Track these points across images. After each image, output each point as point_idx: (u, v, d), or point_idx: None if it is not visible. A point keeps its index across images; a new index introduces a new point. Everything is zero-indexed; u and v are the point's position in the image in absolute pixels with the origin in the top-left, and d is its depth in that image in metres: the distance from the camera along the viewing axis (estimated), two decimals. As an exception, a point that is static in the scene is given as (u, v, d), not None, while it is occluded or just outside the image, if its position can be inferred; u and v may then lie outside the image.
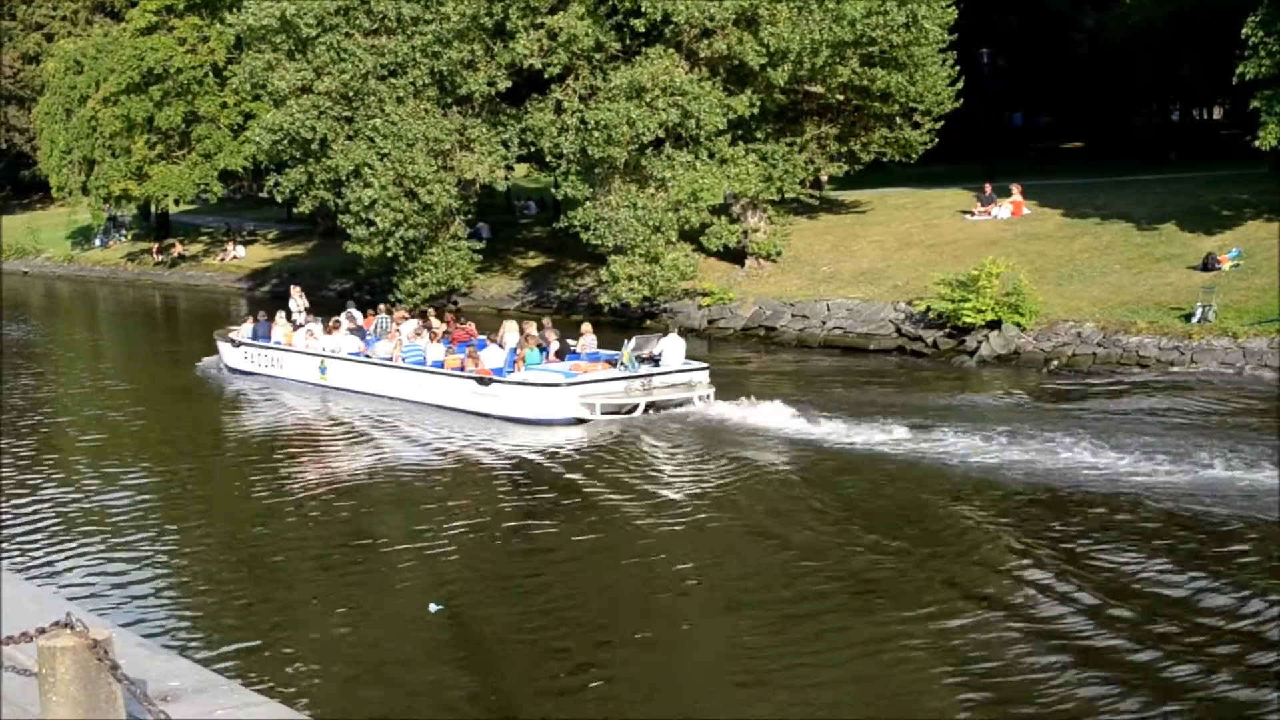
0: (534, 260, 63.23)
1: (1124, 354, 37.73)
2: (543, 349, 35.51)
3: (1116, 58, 68.75)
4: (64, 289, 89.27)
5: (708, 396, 33.76)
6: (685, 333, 40.52)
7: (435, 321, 40.54)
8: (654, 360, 34.47)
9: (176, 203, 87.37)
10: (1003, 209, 53.94)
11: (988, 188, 55.95)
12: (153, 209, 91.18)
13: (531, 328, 37.77)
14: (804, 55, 46.81)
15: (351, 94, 52.72)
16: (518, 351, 35.47)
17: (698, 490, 26.41)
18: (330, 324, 41.76)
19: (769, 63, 47.26)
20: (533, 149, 53.48)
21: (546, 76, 49.76)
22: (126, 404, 39.80)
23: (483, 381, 34.26)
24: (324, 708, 16.00)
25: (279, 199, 63.51)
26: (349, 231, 53.22)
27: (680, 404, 33.68)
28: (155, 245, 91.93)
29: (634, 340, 35.31)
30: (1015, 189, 54.88)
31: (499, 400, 33.88)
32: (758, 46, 46.90)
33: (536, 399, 33.20)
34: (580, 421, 32.62)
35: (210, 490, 28.49)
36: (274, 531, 24.32)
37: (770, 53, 46.93)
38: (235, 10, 59.12)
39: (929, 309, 42.64)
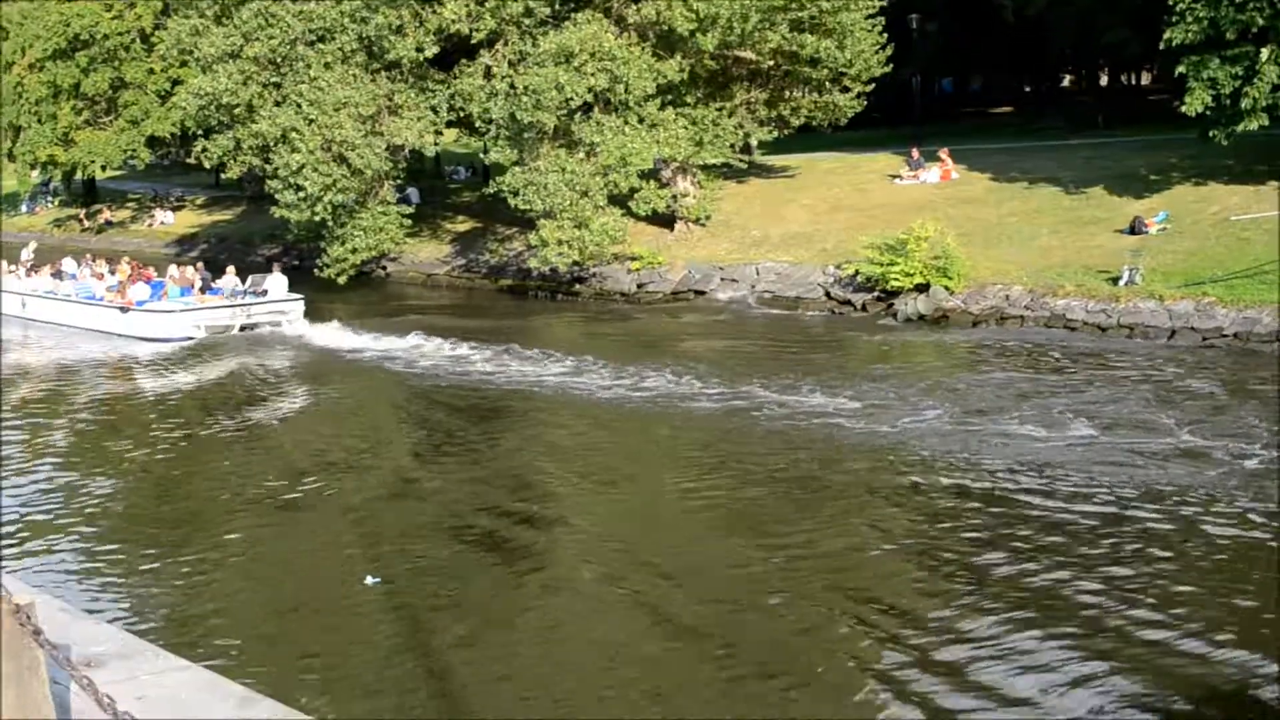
0: (463, 225, 62.93)
1: (1051, 316, 37.98)
2: (190, 287, 45.36)
3: (1043, 23, 68.91)
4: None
5: (296, 320, 44.15)
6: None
7: (123, 266, 50.12)
8: (263, 293, 45.26)
9: (104, 169, 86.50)
10: (931, 173, 54.22)
11: (915, 152, 56.20)
12: (79, 175, 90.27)
13: (187, 270, 47.55)
14: (733, 20, 46.81)
15: (279, 59, 52.20)
16: (163, 288, 45.64)
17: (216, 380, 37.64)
18: (30, 269, 53.22)
19: (698, 28, 47.23)
20: (462, 114, 53.17)
21: (475, 42, 49.59)
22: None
23: (124, 310, 44.50)
24: (246, 669, 16.04)
25: (207, 165, 63.03)
26: (277, 197, 52.70)
27: (271, 325, 44.00)
28: (82, 211, 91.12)
29: (250, 278, 46.78)
30: (943, 153, 55.16)
31: (133, 324, 44.17)
32: (686, 12, 46.84)
33: (157, 322, 43.62)
34: (191, 339, 42.56)
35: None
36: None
37: (699, 18, 46.91)
38: (162, -25, 58.66)
39: (858, 273, 42.83)
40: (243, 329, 43.61)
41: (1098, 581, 18.04)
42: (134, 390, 37.38)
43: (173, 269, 47.67)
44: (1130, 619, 16.73)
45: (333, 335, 42.84)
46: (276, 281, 45.78)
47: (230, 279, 46.39)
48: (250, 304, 44.59)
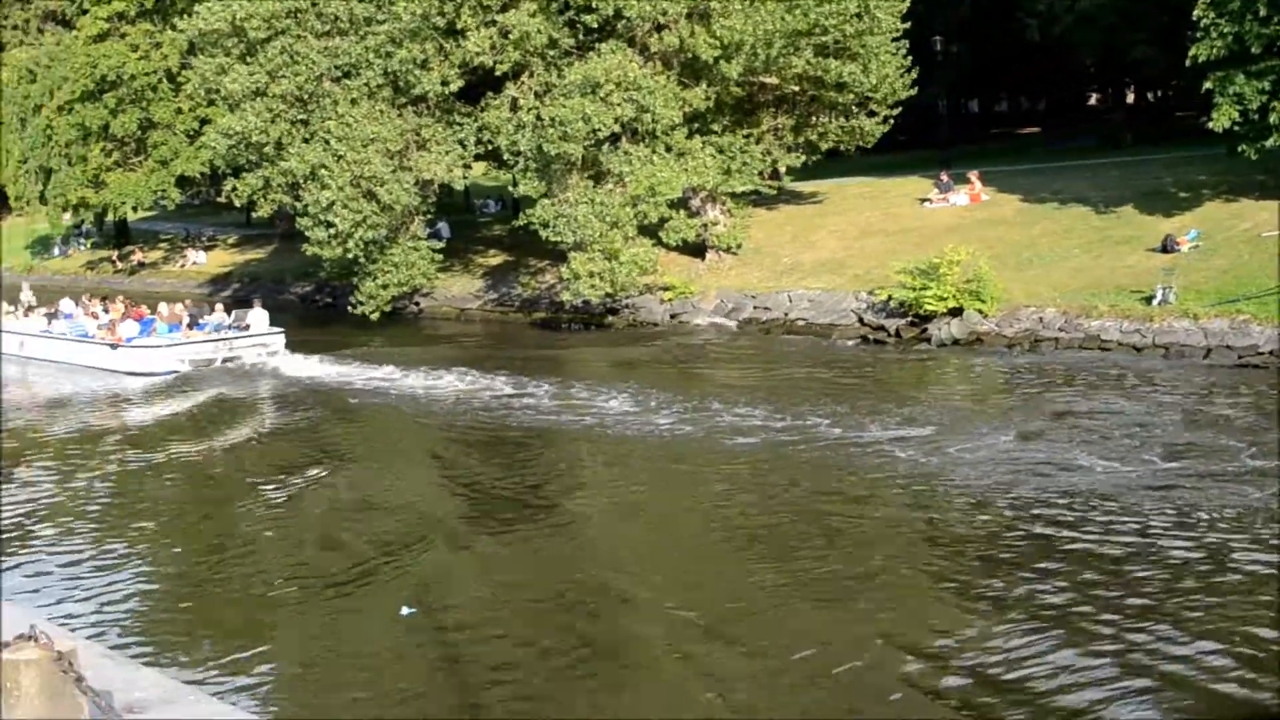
0: (495, 259, 62.96)
1: (1086, 338, 37.78)
2: (178, 323, 46.85)
3: (1068, 42, 68.75)
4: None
5: (277, 352, 45.48)
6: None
7: (118, 305, 51.59)
8: (245, 327, 46.63)
9: (135, 210, 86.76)
10: (960, 196, 54.05)
11: (944, 175, 56.03)
12: (110, 216, 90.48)
13: (177, 307, 48.61)
14: (757, 47, 46.87)
15: (306, 96, 52.49)
16: (153, 324, 47.21)
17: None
18: (28, 309, 55.91)
19: (722, 55, 47.29)
20: (490, 147, 53.27)
21: (499, 74, 49.70)
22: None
23: (114, 347, 46.27)
24: (290, 711, 16.03)
25: (237, 203, 63.35)
26: (308, 234, 52.82)
27: (253, 357, 45.23)
28: (115, 253, 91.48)
29: (234, 313, 48.42)
30: (973, 175, 54.98)
31: (122, 359, 45.81)
32: (710, 39, 46.92)
33: (144, 357, 45.08)
34: (176, 372, 43.78)
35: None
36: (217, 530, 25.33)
37: (724, 45, 46.97)
38: (186, 15, 58.73)
39: (890, 298, 42.65)
40: (225, 361, 45.02)
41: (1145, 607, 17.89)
42: (131, 422, 38.71)
43: (162, 306, 49.45)
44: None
45: (314, 367, 44.29)
46: (258, 316, 47.28)
47: (218, 315, 48.41)
48: (232, 338, 46.05)
